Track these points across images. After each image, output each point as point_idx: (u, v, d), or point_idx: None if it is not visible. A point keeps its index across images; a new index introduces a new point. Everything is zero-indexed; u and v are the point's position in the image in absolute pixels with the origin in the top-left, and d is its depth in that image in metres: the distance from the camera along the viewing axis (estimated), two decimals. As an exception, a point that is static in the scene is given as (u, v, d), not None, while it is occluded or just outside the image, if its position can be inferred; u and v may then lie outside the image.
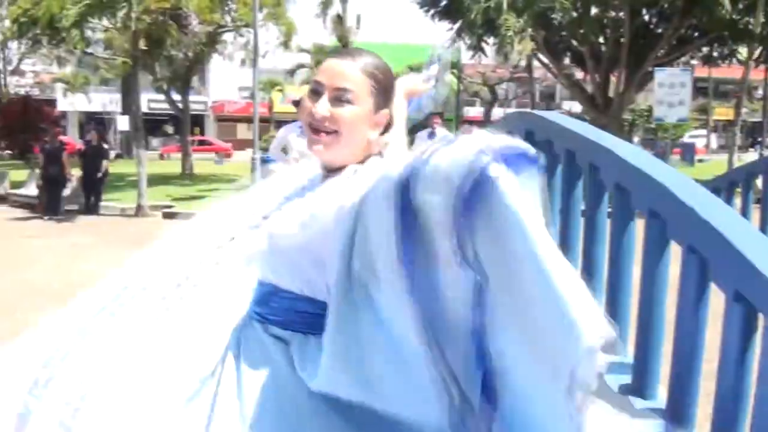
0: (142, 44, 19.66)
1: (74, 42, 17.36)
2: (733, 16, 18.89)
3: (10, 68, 47.80)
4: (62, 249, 11.85)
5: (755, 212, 7.96)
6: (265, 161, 18.03)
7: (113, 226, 14.93)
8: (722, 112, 61.03)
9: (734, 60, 24.90)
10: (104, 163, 17.64)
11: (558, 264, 1.26)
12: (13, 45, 41.56)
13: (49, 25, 21.10)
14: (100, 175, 17.44)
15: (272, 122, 49.69)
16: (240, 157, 41.70)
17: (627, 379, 3.38)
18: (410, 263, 1.42)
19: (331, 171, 1.83)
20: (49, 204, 16.75)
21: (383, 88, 1.81)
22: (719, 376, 2.49)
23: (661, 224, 3.06)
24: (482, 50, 24.08)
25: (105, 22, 20.08)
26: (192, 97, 32.72)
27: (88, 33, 21.64)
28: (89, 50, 27.11)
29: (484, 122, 37.75)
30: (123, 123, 32.69)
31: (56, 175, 16.73)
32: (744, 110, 30.81)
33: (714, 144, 56.85)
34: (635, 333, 3.34)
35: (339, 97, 1.74)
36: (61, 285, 8.87)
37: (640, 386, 3.25)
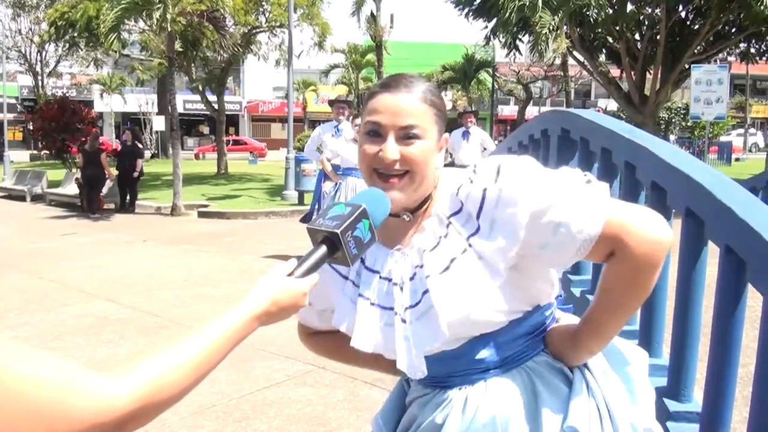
0: (177, 46, 19.89)
1: (111, 44, 17.53)
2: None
3: (47, 70, 48.56)
4: (98, 247, 12.00)
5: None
6: (299, 161, 18.15)
7: (149, 225, 15.08)
8: (759, 109, 60.26)
9: (773, 56, 24.56)
10: (139, 162, 17.87)
11: None
12: (51, 47, 42.29)
13: (86, 27, 21.45)
14: (135, 174, 17.68)
15: (306, 122, 50.00)
16: (274, 156, 41.99)
17: (663, 381, 3.34)
18: None
19: (413, 211, 1.71)
20: (87, 202, 17.06)
21: (442, 112, 1.70)
22: (756, 379, 2.45)
23: (698, 224, 3.02)
24: (517, 48, 23.96)
25: (141, 24, 20.30)
26: (227, 98, 32.99)
27: (125, 35, 21.93)
28: (125, 52, 27.49)
29: (518, 121, 37.57)
30: (159, 123, 33.05)
31: (94, 175, 16.99)
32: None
33: (760, 142, 55.91)
34: (671, 335, 3.30)
35: (406, 135, 1.61)
36: (97, 282, 8.99)
37: (675, 389, 3.21)
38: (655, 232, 1.54)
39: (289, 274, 1.43)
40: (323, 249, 1.45)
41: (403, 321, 1.62)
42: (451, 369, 1.68)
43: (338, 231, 1.41)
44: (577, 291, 4.82)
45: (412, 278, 1.64)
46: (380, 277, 1.68)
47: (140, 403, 1.10)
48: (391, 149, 1.60)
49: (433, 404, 1.70)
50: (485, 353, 1.65)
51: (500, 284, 1.58)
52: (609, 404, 1.62)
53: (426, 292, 1.59)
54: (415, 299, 1.62)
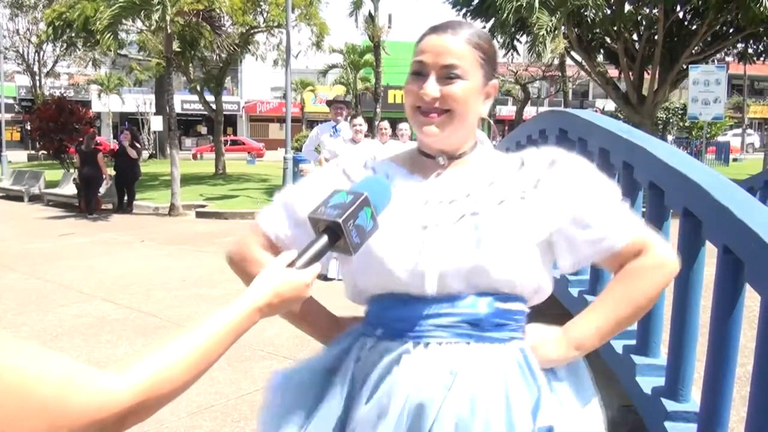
0: (175, 46, 19.85)
1: (108, 44, 17.53)
2: (768, 13, 18.60)
3: (45, 70, 48.50)
4: (96, 247, 11.99)
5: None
6: (297, 161, 18.14)
7: (147, 225, 15.07)
8: (757, 109, 60.33)
9: (770, 57, 24.58)
10: (132, 152, 17.81)
11: None
12: (48, 47, 42.26)
13: (83, 27, 21.43)
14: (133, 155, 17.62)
15: (304, 122, 49.98)
16: (272, 156, 41.98)
17: (660, 381, 3.35)
18: None
19: (450, 158, 1.71)
20: (84, 203, 17.05)
21: (489, 57, 1.70)
22: (754, 379, 2.46)
23: (696, 224, 3.02)
24: (515, 49, 23.96)
25: (139, 24, 20.28)
26: (225, 98, 32.98)
27: (122, 35, 21.94)
28: (123, 52, 27.49)
29: (516, 121, 37.58)
30: (156, 123, 33.02)
31: (91, 175, 16.98)
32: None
33: (756, 142, 56.07)
34: (669, 335, 3.31)
35: (447, 75, 1.62)
36: (94, 282, 8.98)
37: (673, 389, 3.21)
38: (671, 256, 1.68)
39: (290, 265, 1.41)
40: (324, 239, 1.43)
41: (435, 233, 1.60)
42: (437, 319, 1.61)
43: (340, 221, 1.40)
44: (575, 291, 4.83)
45: (451, 202, 1.64)
46: (409, 198, 1.67)
47: (141, 398, 1.10)
48: (431, 87, 1.62)
49: (396, 356, 1.61)
50: (482, 312, 1.61)
51: (535, 244, 1.61)
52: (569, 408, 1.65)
53: (475, 214, 1.60)
54: (456, 217, 1.62)
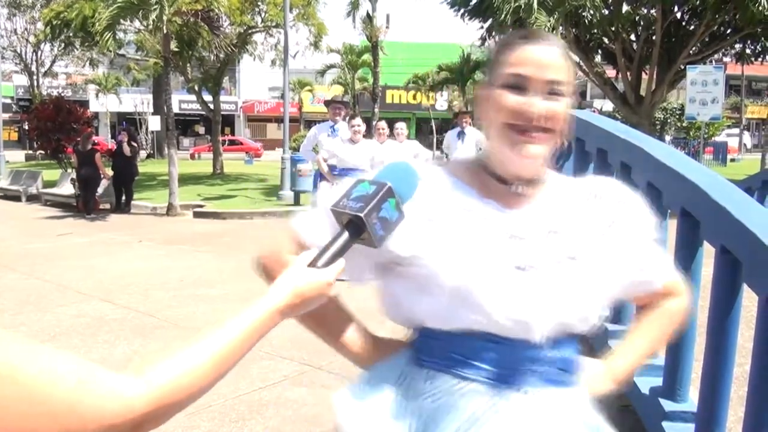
0: (173, 45, 19.86)
1: (106, 44, 17.51)
2: (766, 13, 18.61)
3: (43, 70, 48.49)
4: (94, 247, 11.98)
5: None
6: (295, 161, 18.15)
7: (144, 225, 15.06)
8: (755, 110, 60.39)
9: (767, 57, 24.59)
10: (126, 148, 17.81)
11: None
12: (46, 47, 42.24)
13: (81, 27, 21.40)
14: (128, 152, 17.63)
15: (302, 122, 49.96)
16: (270, 156, 41.99)
17: (658, 381, 3.35)
18: None
19: (526, 184, 1.58)
20: (82, 203, 17.04)
21: (574, 72, 1.58)
22: (752, 379, 2.46)
23: (693, 224, 3.02)
24: (513, 49, 23.97)
25: (137, 24, 20.26)
26: (223, 98, 32.94)
27: (120, 35, 21.92)
28: (121, 52, 27.46)
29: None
30: (154, 123, 33.02)
31: (89, 175, 16.96)
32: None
33: (748, 143, 56.24)
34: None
35: (551, 91, 1.49)
36: (92, 282, 8.98)
37: (671, 389, 3.22)
38: (687, 293, 1.74)
39: (312, 264, 1.36)
40: (346, 234, 1.38)
41: (535, 276, 1.49)
42: (533, 364, 1.51)
43: (362, 215, 1.35)
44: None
45: (540, 239, 1.53)
46: (491, 230, 1.53)
47: (158, 404, 1.07)
48: (540, 103, 1.48)
49: (489, 401, 1.49)
50: (572, 356, 1.55)
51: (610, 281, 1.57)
52: None
53: (572, 258, 1.52)
54: (552, 259, 1.51)
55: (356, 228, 1.38)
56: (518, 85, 1.50)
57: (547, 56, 1.50)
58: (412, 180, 1.47)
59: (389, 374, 1.62)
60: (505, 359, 1.49)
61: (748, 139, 57.52)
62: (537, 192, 1.58)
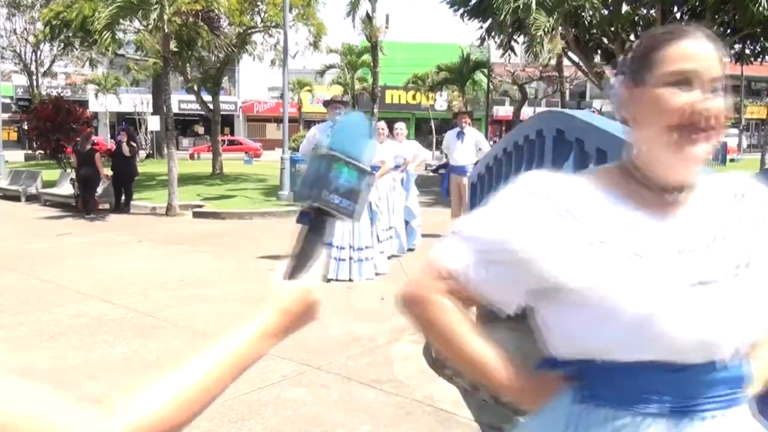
0: (173, 46, 19.85)
1: (106, 44, 17.52)
2: (766, 13, 18.63)
3: (42, 70, 48.48)
4: (93, 247, 11.97)
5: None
6: (294, 161, 18.15)
7: (144, 225, 15.05)
8: (754, 110, 60.42)
9: (767, 57, 24.60)
10: (124, 147, 17.81)
11: None
12: (46, 47, 42.23)
13: (81, 27, 21.38)
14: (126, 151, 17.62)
15: (301, 122, 50.00)
16: (269, 156, 41.98)
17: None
18: None
19: (679, 188, 1.46)
20: (82, 203, 17.03)
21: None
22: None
23: (692, 225, 3.02)
24: (512, 49, 24.00)
25: (136, 24, 20.26)
26: (222, 98, 32.94)
27: (120, 35, 21.91)
28: (120, 52, 27.45)
29: (514, 122, 37.59)
30: (154, 123, 33.01)
31: (88, 175, 16.95)
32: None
33: (744, 143, 56.23)
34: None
35: (714, 89, 1.39)
36: (92, 282, 8.97)
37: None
38: None
39: (290, 275, 1.27)
40: (305, 229, 1.28)
41: (717, 292, 1.37)
42: (712, 388, 1.38)
43: (313, 202, 1.26)
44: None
45: (707, 249, 1.41)
46: (656, 245, 1.40)
47: None
48: (715, 100, 1.39)
49: None
50: (748, 374, 1.42)
51: None
52: None
53: (748, 266, 1.40)
54: (730, 270, 1.39)
55: (318, 214, 1.28)
56: (685, 81, 1.39)
57: (708, 51, 1.41)
58: (361, 133, 1.35)
59: (555, 421, 1.47)
60: (685, 386, 1.38)
61: (743, 139, 57.52)
62: (686, 195, 1.47)
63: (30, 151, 39.59)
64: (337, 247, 9.00)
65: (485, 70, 40.22)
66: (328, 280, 8.81)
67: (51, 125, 23.27)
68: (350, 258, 9.04)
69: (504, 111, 57.05)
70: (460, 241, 1.48)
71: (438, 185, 15.99)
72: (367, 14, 27.55)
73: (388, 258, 10.26)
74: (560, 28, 20.24)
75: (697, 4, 20.59)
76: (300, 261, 1.27)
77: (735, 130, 50.66)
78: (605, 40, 23.72)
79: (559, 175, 1.52)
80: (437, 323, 1.52)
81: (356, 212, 1.29)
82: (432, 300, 1.50)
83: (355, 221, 1.33)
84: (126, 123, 26.88)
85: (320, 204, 1.25)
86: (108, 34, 16.91)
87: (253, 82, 56.84)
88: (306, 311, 1.27)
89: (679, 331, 1.33)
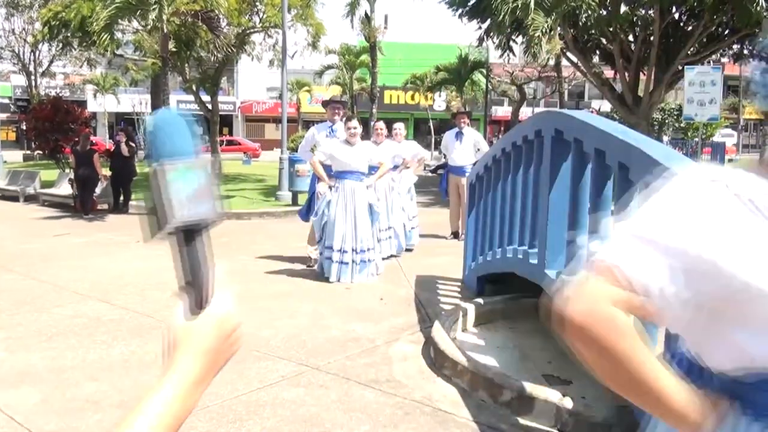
0: (171, 46, 19.85)
1: (104, 44, 17.53)
2: (764, 13, 18.63)
3: (40, 70, 48.46)
4: (92, 247, 11.96)
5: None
6: (293, 161, 18.14)
7: (142, 225, 15.01)
8: (753, 110, 60.49)
9: (766, 58, 24.62)
10: (124, 148, 17.79)
11: None
12: (44, 47, 42.20)
13: (79, 27, 21.37)
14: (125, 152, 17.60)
15: (300, 122, 50.03)
16: (268, 157, 41.96)
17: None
18: None
19: None
20: (80, 203, 17.02)
21: None
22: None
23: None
24: (510, 50, 24.00)
25: (135, 24, 20.27)
26: (220, 98, 32.91)
27: (118, 35, 21.89)
28: (119, 52, 27.40)
29: (512, 122, 37.60)
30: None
31: (87, 176, 16.94)
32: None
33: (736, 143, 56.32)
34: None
35: None
36: (90, 282, 8.96)
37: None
38: None
39: (196, 308, 1.11)
40: (184, 253, 1.12)
41: None
42: None
43: (173, 228, 1.07)
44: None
45: None
46: None
47: None
48: None
49: None
50: None
51: None
52: None
53: None
54: None
55: (185, 234, 1.10)
56: None
57: None
58: (176, 126, 1.16)
59: None
60: None
61: (733, 138, 57.57)
62: None
63: (28, 152, 39.55)
64: (339, 250, 8.99)
65: (484, 71, 40.25)
66: (329, 282, 8.85)
67: (49, 125, 23.25)
68: (352, 261, 9.02)
69: (502, 111, 57.10)
70: (645, 246, 1.25)
71: (437, 185, 16.00)
72: (366, 14, 27.60)
73: (387, 258, 10.26)
74: (559, 28, 20.22)
75: (695, 4, 20.57)
76: (197, 289, 1.12)
77: (727, 130, 50.76)
78: (604, 41, 23.72)
79: (726, 168, 1.37)
80: (620, 351, 1.25)
81: (215, 208, 1.11)
82: (614, 321, 1.24)
83: (219, 218, 1.11)
84: (125, 123, 26.90)
85: (178, 225, 1.07)
86: (106, 34, 16.91)
87: (252, 83, 56.84)
88: (228, 342, 1.11)
89: None
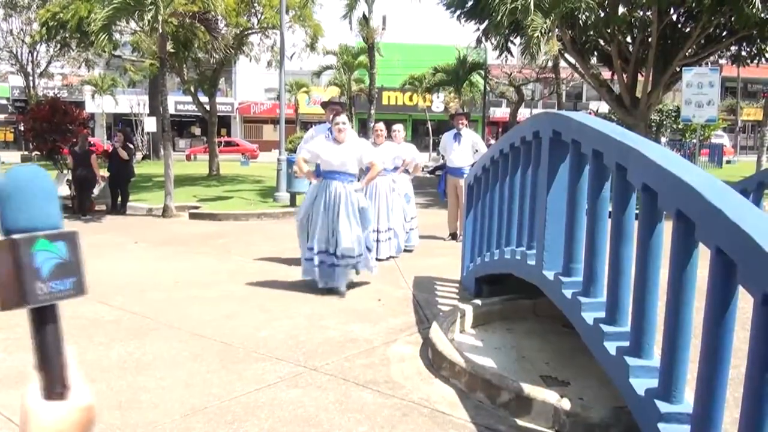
0: (169, 47, 19.81)
1: (102, 45, 17.48)
2: (762, 15, 18.66)
3: (38, 71, 48.44)
4: (89, 249, 11.94)
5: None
6: (291, 162, 18.13)
7: (140, 226, 15.03)
8: (750, 112, 60.55)
9: (763, 59, 24.63)
10: (123, 152, 17.80)
11: None
12: (42, 48, 42.18)
13: (77, 28, 21.37)
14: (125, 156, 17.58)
15: (298, 123, 50.01)
16: (266, 158, 41.94)
17: (654, 383, 3.35)
18: None
19: None
20: (78, 204, 17.01)
21: None
22: (747, 380, 2.46)
23: (689, 226, 3.03)
24: (509, 51, 24.03)
25: (133, 25, 20.24)
26: (219, 99, 32.95)
27: (116, 36, 21.86)
28: (117, 53, 27.39)
29: (510, 123, 37.61)
30: (150, 124, 32.99)
31: (84, 177, 16.93)
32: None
33: (727, 143, 56.41)
34: (662, 336, 3.31)
35: None
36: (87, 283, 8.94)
37: (666, 390, 3.22)
38: None
39: (50, 395, 0.96)
40: (38, 334, 0.97)
41: None
42: None
43: (31, 307, 0.94)
44: (568, 293, 4.83)
45: None
46: None
47: None
48: None
49: None
50: None
51: None
52: None
53: None
54: None
55: (40, 313, 0.97)
56: None
57: None
58: (37, 189, 1.00)
59: None
60: None
61: (726, 140, 57.59)
62: None
63: (26, 152, 39.47)
64: (319, 252, 8.69)
65: (482, 72, 40.26)
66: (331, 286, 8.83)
67: (47, 126, 23.22)
68: (333, 264, 8.41)
69: (501, 112, 57.14)
70: None
71: (435, 187, 15.99)
72: (364, 16, 27.57)
73: (386, 259, 10.26)
74: (557, 29, 20.24)
75: (693, 6, 20.60)
76: (50, 373, 0.97)
77: (723, 132, 50.81)
78: (602, 42, 23.74)
79: None
80: None
81: (82, 284, 1.03)
82: None
83: (84, 295, 1.01)
84: (123, 124, 26.87)
85: (37, 304, 0.94)
86: (104, 35, 16.87)
87: (250, 84, 56.87)
88: (83, 426, 0.98)
89: None
